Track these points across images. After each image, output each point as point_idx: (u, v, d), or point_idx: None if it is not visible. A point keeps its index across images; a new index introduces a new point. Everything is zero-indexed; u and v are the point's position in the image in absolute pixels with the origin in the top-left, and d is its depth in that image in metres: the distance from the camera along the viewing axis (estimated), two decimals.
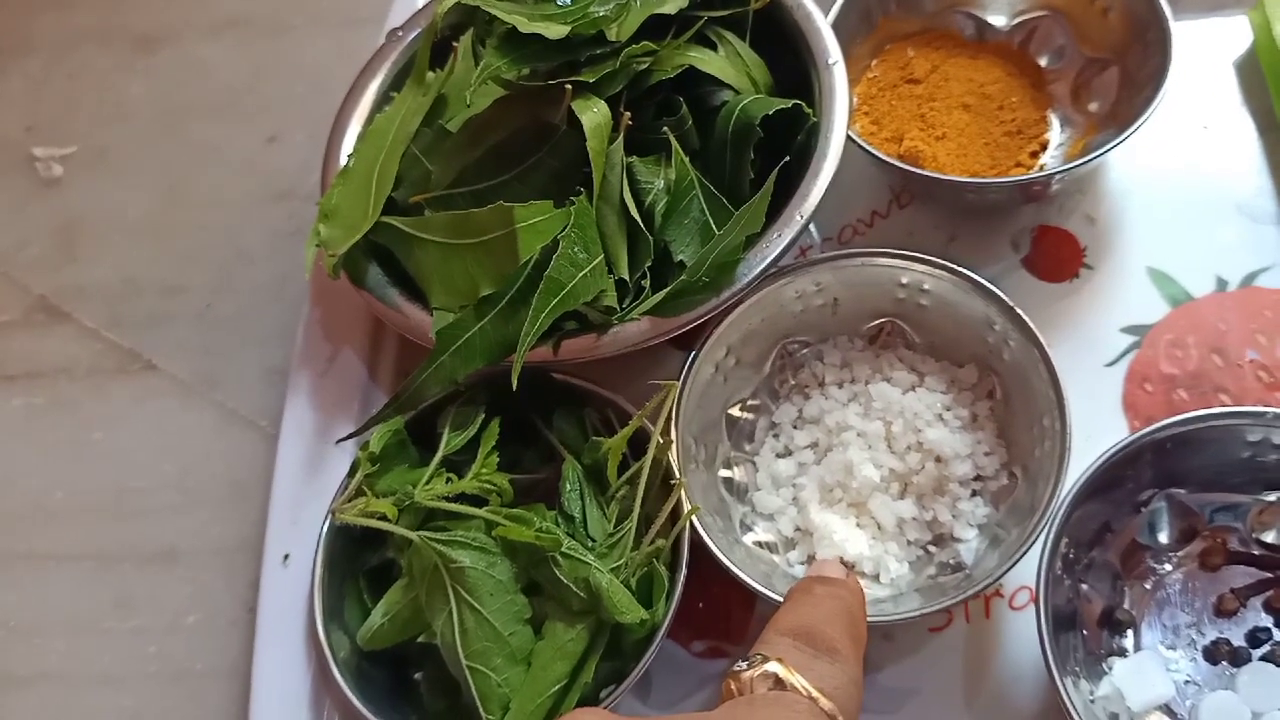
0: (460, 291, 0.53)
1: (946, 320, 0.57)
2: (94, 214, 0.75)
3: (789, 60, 0.60)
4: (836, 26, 0.62)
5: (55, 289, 0.72)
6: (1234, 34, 0.66)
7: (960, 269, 0.55)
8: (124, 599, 0.62)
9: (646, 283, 0.54)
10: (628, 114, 0.55)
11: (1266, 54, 0.64)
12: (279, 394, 0.63)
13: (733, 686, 0.40)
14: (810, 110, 0.57)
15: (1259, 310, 0.58)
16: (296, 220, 0.72)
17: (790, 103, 0.56)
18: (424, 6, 0.67)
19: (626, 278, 0.54)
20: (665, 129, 0.56)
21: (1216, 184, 0.62)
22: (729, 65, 0.59)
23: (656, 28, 0.57)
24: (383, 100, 0.63)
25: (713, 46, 0.59)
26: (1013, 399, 0.55)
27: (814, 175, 0.55)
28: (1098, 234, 0.62)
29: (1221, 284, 0.59)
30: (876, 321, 0.59)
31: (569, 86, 0.54)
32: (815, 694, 0.39)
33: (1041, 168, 0.63)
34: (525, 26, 0.53)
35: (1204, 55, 0.65)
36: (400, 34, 0.65)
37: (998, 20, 0.67)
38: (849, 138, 0.57)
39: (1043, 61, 0.66)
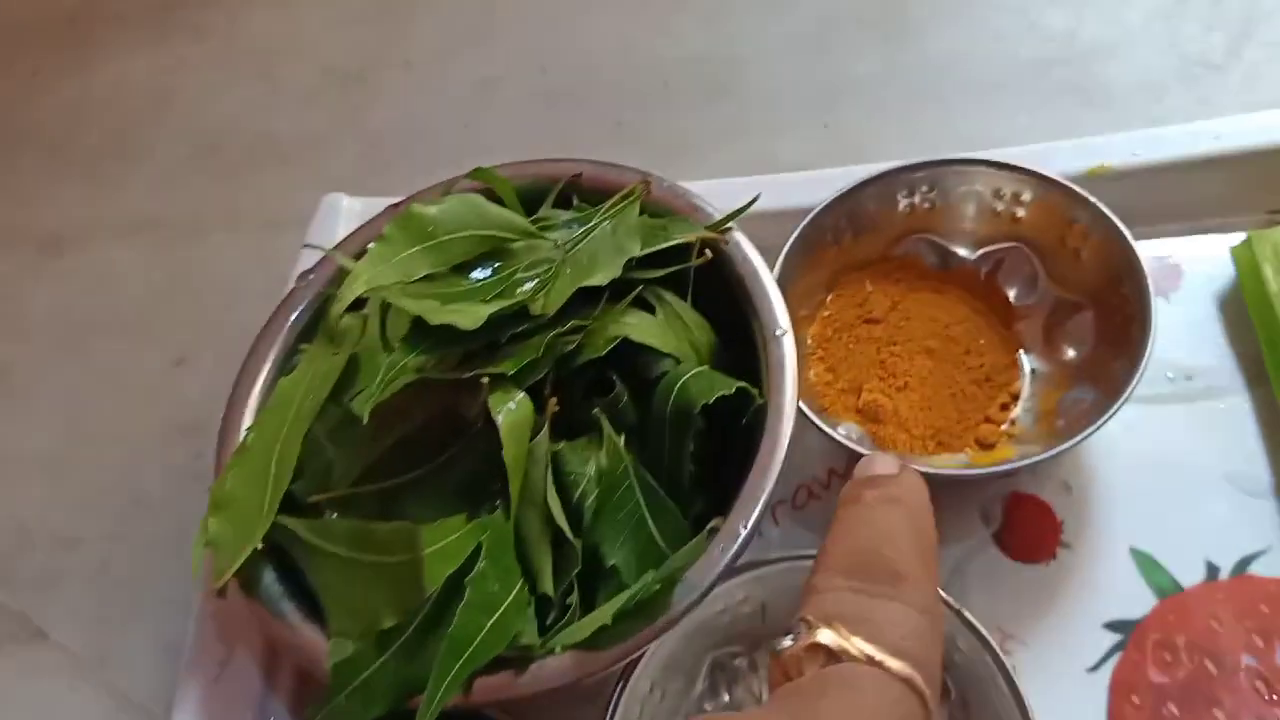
0: (361, 616, 0.47)
1: None
2: None
3: (735, 315, 0.55)
4: (788, 256, 0.57)
5: None
6: (1218, 269, 0.61)
7: None
8: None
9: (573, 598, 0.48)
10: (553, 400, 0.49)
11: (1254, 298, 0.58)
12: (173, 675, 0.56)
13: (778, 670, 0.33)
14: (756, 391, 0.51)
15: (1254, 605, 0.52)
16: (202, 461, 0.65)
17: (734, 385, 0.50)
18: (340, 243, 0.61)
19: (550, 592, 0.48)
20: (597, 410, 0.51)
21: (1203, 448, 0.56)
22: (668, 330, 0.53)
23: (589, 293, 0.52)
24: (290, 352, 0.57)
25: (650, 309, 0.54)
26: (971, 705, 0.49)
27: (761, 472, 0.49)
28: (1075, 504, 0.56)
29: (1212, 570, 0.53)
30: None
31: (485, 380, 0.48)
32: (880, 656, 0.32)
33: (1013, 423, 0.57)
34: (434, 317, 0.48)
35: (1187, 295, 0.61)
36: (311, 278, 0.59)
37: (962, 250, 0.62)
38: (800, 410, 0.52)
39: (1011, 293, 0.62)
